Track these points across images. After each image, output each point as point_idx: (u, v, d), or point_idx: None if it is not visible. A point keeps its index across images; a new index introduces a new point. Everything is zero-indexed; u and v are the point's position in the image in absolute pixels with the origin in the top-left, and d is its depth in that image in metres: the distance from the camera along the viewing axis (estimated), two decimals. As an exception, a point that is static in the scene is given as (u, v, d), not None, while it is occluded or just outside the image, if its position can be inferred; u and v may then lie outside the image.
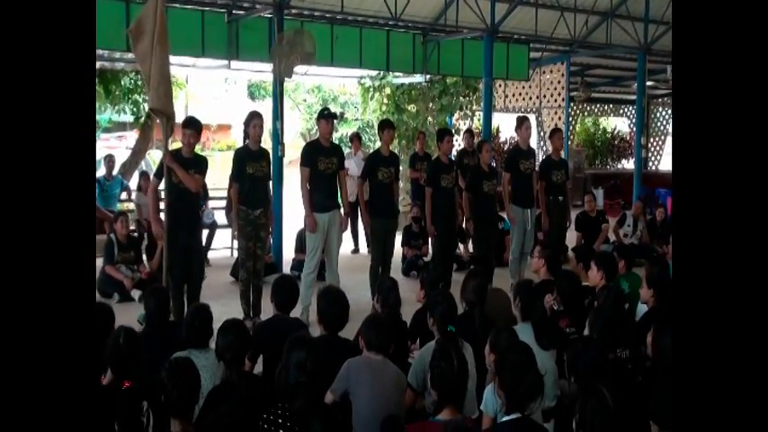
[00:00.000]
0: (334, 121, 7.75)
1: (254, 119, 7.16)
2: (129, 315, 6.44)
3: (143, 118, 14.45)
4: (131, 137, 20.86)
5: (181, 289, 6.64)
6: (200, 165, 6.74)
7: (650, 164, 22.42)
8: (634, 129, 19.56)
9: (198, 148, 7.14)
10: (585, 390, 2.96)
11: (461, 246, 10.33)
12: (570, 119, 18.86)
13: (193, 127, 6.70)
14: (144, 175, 11.42)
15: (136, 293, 8.14)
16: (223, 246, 10.91)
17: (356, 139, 12.15)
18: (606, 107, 23.93)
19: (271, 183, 7.52)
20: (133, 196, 11.39)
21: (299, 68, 10.06)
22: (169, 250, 6.61)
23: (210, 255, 10.51)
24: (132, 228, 10.00)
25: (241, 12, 10.53)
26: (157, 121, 6.54)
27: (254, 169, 7.09)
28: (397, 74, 13.83)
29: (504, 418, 3.27)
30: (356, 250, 11.65)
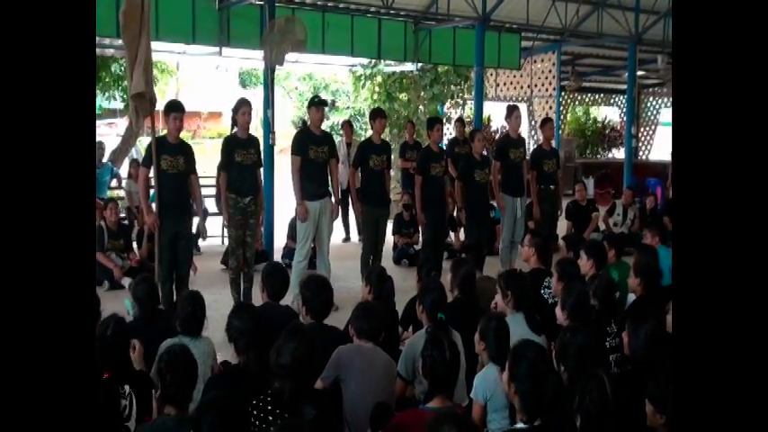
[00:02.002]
0: (326, 109, 7.73)
1: (242, 106, 7.12)
2: (119, 303, 6.43)
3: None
4: (121, 123, 20.74)
5: (169, 275, 6.64)
6: (186, 151, 6.72)
7: (640, 153, 22.46)
8: (625, 118, 19.58)
9: (188, 136, 7.10)
10: (584, 377, 2.94)
11: (453, 234, 10.35)
12: (561, 108, 18.87)
13: (178, 110, 6.66)
14: (134, 162, 11.38)
15: (126, 281, 8.12)
16: (214, 234, 10.88)
17: (347, 125, 12.09)
18: (597, 97, 23.95)
19: (260, 170, 7.49)
20: (123, 183, 11.33)
21: (290, 56, 10.02)
22: (158, 237, 6.61)
23: (201, 243, 10.49)
24: (122, 215, 9.97)
25: (232, -2, 10.47)
26: (134, 104, 6.43)
27: (243, 157, 7.05)
28: (388, 62, 13.79)
29: (520, 425, 3.15)
30: (347, 239, 11.65)
